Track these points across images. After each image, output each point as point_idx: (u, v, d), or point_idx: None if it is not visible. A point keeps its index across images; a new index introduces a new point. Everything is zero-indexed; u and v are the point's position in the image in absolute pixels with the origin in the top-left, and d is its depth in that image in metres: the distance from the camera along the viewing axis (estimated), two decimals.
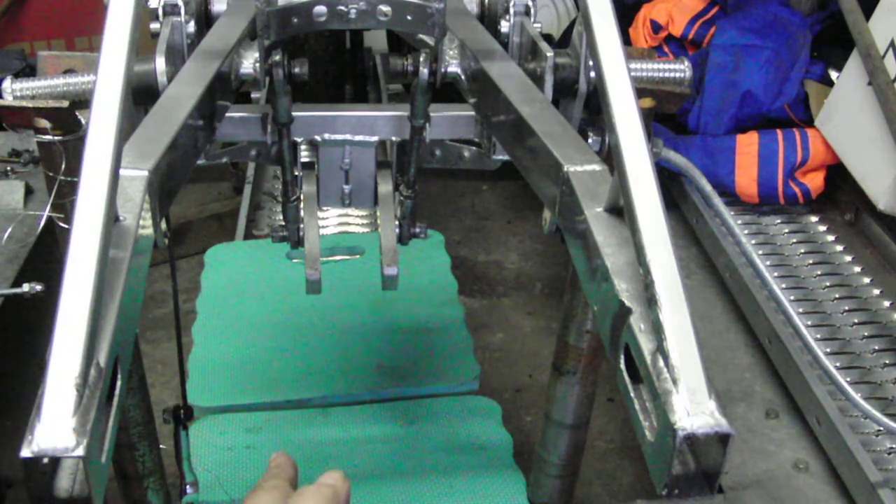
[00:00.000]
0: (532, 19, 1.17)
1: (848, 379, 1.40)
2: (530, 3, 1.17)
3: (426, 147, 1.25)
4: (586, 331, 1.54)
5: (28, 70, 2.29)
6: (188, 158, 0.94)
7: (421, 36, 1.20)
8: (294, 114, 1.13)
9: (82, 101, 1.13)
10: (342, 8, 1.00)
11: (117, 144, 0.71)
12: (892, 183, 1.81)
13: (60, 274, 0.63)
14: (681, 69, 1.19)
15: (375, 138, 1.23)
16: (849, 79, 1.97)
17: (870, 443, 1.51)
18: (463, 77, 1.11)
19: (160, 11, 1.09)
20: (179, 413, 1.61)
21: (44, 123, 1.14)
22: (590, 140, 1.14)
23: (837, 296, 1.86)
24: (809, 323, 1.79)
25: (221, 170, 3.21)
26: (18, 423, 1.70)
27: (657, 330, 0.64)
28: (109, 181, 0.69)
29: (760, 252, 2.00)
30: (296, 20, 1.00)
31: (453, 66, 1.11)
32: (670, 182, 2.16)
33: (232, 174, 3.22)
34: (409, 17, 1.00)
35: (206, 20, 1.19)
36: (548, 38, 2.05)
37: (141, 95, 1.01)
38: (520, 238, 3.30)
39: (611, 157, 0.75)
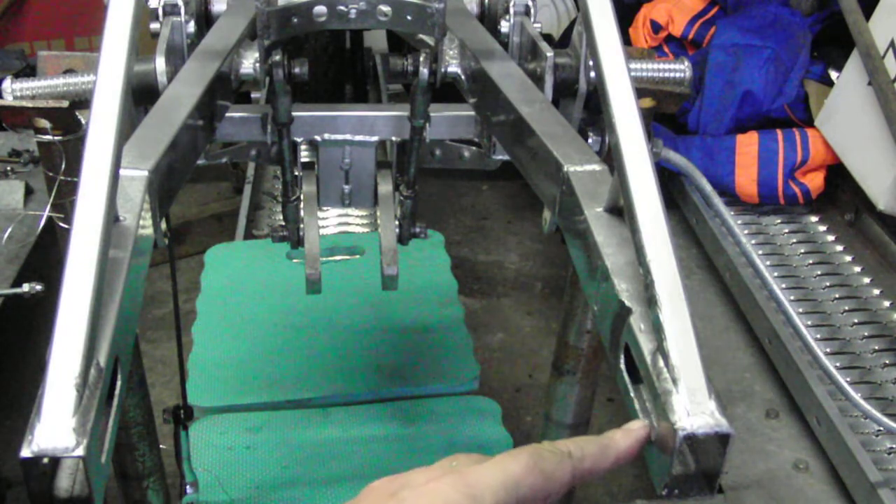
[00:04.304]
0: (532, 19, 1.17)
1: (848, 379, 1.40)
2: (530, 3, 1.17)
3: (426, 147, 1.25)
4: (586, 331, 1.54)
5: (28, 70, 2.30)
6: (188, 158, 0.94)
7: (421, 36, 1.20)
8: (294, 114, 1.13)
9: (82, 101, 1.13)
10: (342, 8, 1.00)
11: (117, 144, 0.71)
12: (892, 183, 1.81)
13: (60, 274, 0.63)
14: (681, 69, 1.19)
15: (375, 138, 1.23)
16: (849, 79, 1.96)
17: (870, 443, 1.51)
18: (463, 77, 1.11)
19: (160, 11, 1.09)
20: (179, 413, 1.61)
21: (44, 123, 1.14)
22: (590, 140, 1.14)
23: (837, 296, 1.86)
24: (809, 323, 1.78)
25: (221, 170, 3.21)
26: (18, 423, 1.70)
27: (657, 330, 0.64)
28: (109, 181, 0.69)
29: (760, 252, 2.00)
30: (296, 20, 1.00)
31: (453, 66, 1.11)
32: (670, 182, 2.16)
33: (232, 174, 3.22)
34: (409, 17, 1.00)
35: (206, 20, 1.19)
36: (548, 38, 2.05)
37: (141, 95, 1.01)
38: (520, 238, 3.30)
39: (611, 157, 0.75)
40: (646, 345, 0.64)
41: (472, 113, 1.19)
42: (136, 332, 0.76)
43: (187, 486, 1.62)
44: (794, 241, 2.05)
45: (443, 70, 1.10)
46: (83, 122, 1.13)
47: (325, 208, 1.48)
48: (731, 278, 1.87)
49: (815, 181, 2.09)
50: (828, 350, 1.71)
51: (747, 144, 2.08)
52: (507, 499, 0.57)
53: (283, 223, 1.38)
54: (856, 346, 1.73)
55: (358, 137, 1.23)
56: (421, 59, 1.07)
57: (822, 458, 1.51)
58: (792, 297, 1.85)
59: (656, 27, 2.33)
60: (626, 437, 0.62)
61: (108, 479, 0.62)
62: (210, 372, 1.85)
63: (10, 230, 1.68)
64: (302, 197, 1.33)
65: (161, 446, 1.65)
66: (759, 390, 1.67)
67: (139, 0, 0.83)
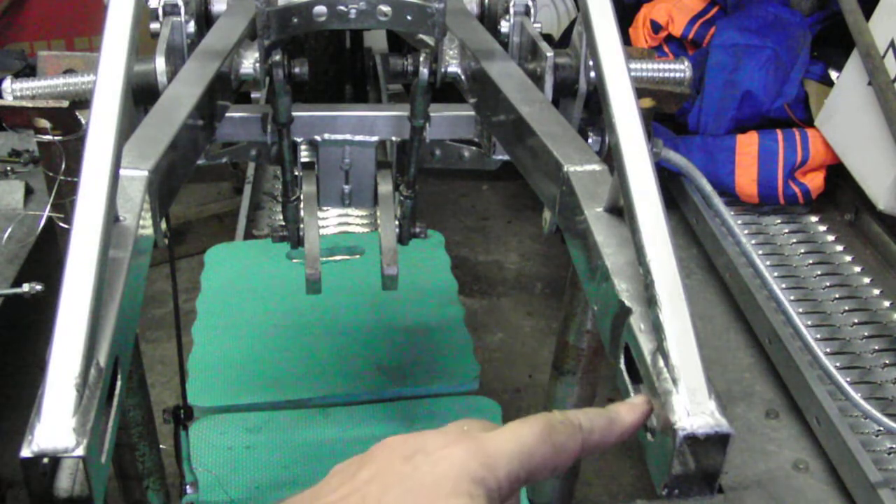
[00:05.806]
0: (532, 19, 1.17)
1: (848, 379, 1.40)
2: (530, 3, 1.17)
3: (426, 147, 1.25)
4: (586, 331, 1.54)
5: (28, 70, 2.29)
6: (188, 158, 0.94)
7: (421, 36, 1.20)
8: (294, 114, 1.13)
9: (82, 101, 1.13)
10: (342, 8, 1.00)
11: (117, 144, 0.71)
12: (892, 183, 1.81)
13: (60, 274, 0.63)
14: (681, 69, 1.19)
15: (375, 138, 1.23)
16: (849, 79, 1.97)
17: (870, 443, 1.51)
18: (463, 77, 1.11)
19: (160, 11, 1.09)
20: (179, 413, 1.61)
21: (44, 123, 1.14)
22: (590, 140, 1.14)
23: (837, 296, 1.86)
24: (809, 323, 1.78)
25: (221, 170, 3.21)
26: (18, 423, 1.70)
27: (657, 330, 0.64)
28: (109, 181, 0.69)
29: (760, 252, 2.00)
30: (296, 20, 1.00)
31: (453, 66, 1.11)
32: (670, 182, 2.16)
33: (232, 174, 3.22)
34: (409, 17, 1.00)
35: (206, 20, 1.19)
36: (548, 38, 2.05)
37: (141, 95, 1.01)
38: (520, 238, 3.30)
39: (611, 157, 0.75)
40: (646, 345, 0.64)
41: (472, 113, 1.19)
42: (136, 332, 0.76)
43: (187, 486, 1.62)
44: (794, 241, 2.05)
45: (443, 70, 1.10)
46: (83, 122, 1.13)
47: (325, 208, 1.48)
48: (731, 278, 1.87)
49: (815, 181, 2.09)
50: (828, 350, 1.71)
51: (747, 144, 2.08)
52: (519, 468, 0.58)
53: (283, 223, 1.38)
54: (856, 346, 1.73)
55: (358, 137, 1.23)
56: (421, 59, 1.07)
57: (822, 458, 1.51)
58: (792, 297, 1.85)
59: (656, 27, 2.33)
60: (630, 411, 0.63)
61: (108, 479, 0.62)
62: (210, 372, 1.85)
63: (10, 230, 1.68)
64: (302, 197, 1.33)
65: (161, 446, 1.65)
66: (759, 390, 1.67)
67: (139, 0, 0.83)
